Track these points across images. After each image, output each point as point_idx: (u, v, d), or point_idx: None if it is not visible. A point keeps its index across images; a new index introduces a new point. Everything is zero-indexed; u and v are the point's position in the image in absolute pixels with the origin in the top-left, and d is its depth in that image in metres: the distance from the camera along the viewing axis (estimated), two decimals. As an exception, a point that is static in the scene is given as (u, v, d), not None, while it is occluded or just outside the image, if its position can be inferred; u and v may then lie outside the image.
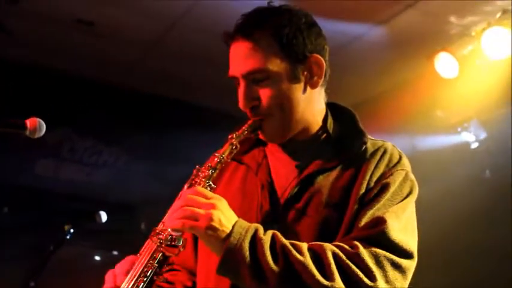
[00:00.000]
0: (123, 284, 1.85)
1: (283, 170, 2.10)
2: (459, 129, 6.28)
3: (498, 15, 5.24)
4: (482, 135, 6.18)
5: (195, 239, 2.15)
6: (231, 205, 1.86)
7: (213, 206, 1.77)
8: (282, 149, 2.13)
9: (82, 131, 7.16)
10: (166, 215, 1.84)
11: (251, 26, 2.03)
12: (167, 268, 2.19)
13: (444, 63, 5.62)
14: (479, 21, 5.47)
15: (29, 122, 1.97)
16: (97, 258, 6.72)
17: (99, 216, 4.57)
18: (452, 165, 6.20)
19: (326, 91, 2.18)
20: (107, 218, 4.58)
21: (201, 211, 1.76)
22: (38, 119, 1.99)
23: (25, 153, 6.52)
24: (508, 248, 5.70)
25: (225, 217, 1.77)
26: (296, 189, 2.01)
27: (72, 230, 4.56)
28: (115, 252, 6.72)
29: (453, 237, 6.01)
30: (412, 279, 1.91)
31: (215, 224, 1.74)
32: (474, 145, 6.25)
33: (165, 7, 5.60)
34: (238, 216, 1.84)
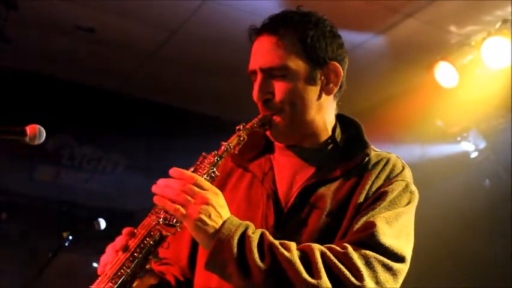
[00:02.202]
0: (115, 259, 1.84)
1: (288, 179, 2.10)
2: (459, 139, 6.29)
3: (498, 25, 5.25)
4: (482, 145, 6.18)
5: (193, 239, 2.14)
6: (236, 213, 1.86)
7: (206, 200, 1.77)
8: (288, 157, 2.14)
9: (81, 138, 7.16)
10: (161, 188, 1.82)
11: (278, 23, 2.06)
12: (160, 262, 2.17)
13: (444, 73, 5.63)
14: (479, 30, 5.49)
15: (28, 129, 1.96)
16: (95, 265, 6.70)
17: (98, 223, 4.56)
18: (451, 175, 6.21)
19: (337, 103, 2.20)
20: (106, 225, 4.58)
21: (193, 202, 1.76)
22: (38, 126, 1.98)
23: (24, 160, 6.52)
24: (508, 256, 5.70)
25: (216, 212, 1.77)
26: (298, 199, 2.01)
27: (70, 237, 4.55)
28: (114, 260, 6.69)
29: (453, 246, 6.01)
30: (413, 285, 1.90)
31: (205, 218, 1.74)
32: (474, 154, 6.26)
33: (164, 16, 5.63)
34: None
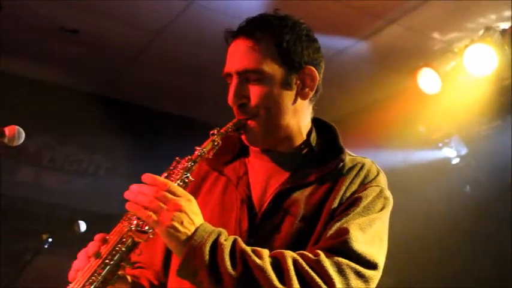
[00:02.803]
0: (87, 266, 1.82)
1: (262, 184, 2.09)
2: (440, 145, 6.31)
3: (481, 32, 5.28)
4: (463, 151, 6.21)
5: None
6: (210, 218, 1.86)
7: (179, 207, 1.76)
8: (263, 161, 2.13)
9: (63, 139, 7.11)
10: (133, 194, 1.80)
11: (254, 26, 2.05)
12: (134, 266, 2.16)
13: (427, 79, 5.65)
14: (462, 37, 5.52)
15: (7, 130, 1.95)
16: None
17: (78, 225, 4.54)
18: (433, 180, 6.23)
19: (313, 108, 2.19)
20: (87, 228, 4.55)
21: (165, 209, 1.75)
22: (17, 127, 1.97)
23: (5, 161, 6.46)
24: (488, 262, 5.73)
25: (189, 219, 1.76)
26: (272, 204, 2.01)
27: (50, 239, 4.52)
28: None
29: (434, 251, 6.04)
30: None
31: (177, 225, 1.73)
32: (455, 161, 6.29)
33: (149, 19, 5.61)
34: None
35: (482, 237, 5.87)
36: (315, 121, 2.22)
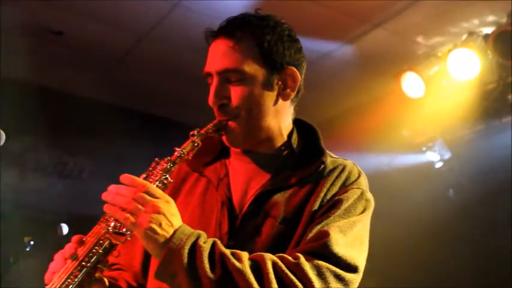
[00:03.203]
0: (63, 268, 1.80)
1: (243, 186, 2.08)
2: (424, 149, 6.34)
3: (464, 37, 5.32)
4: (447, 155, 6.25)
5: None
6: (190, 219, 1.85)
7: (157, 209, 1.74)
8: (244, 162, 2.12)
9: (47, 141, 7.07)
10: (111, 195, 1.78)
11: (235, 26, 2.03)
12: (112, 267, 2.14)
13: (411, 83, 5.68)
14: (445, 42, 5.55)
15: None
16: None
17: (61, 228, 4.51)
18: (416, 184, 6.26)
19: (295, 108, 2.18)
20: (71, 231, 4.52)
21: (143, 210, 1.73)
22: (-3, 129, 1.95)
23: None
24: (470, 265, 5.76)
25: (167, 221, 1.74)
26: (252, 206, 2.00)
27: (32, 242, 4.48)
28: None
29: (416, 255, 6.05)
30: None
31: (155, 227, 1.71)
32: (438, 165, 6.32)
33: (134, 21, 5.59)
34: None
35: (465, 241, 5.90)
36: (297, 122, 2.21)
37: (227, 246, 1.81)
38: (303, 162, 2.07)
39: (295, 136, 2.16)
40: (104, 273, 1.94)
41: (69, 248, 1.84)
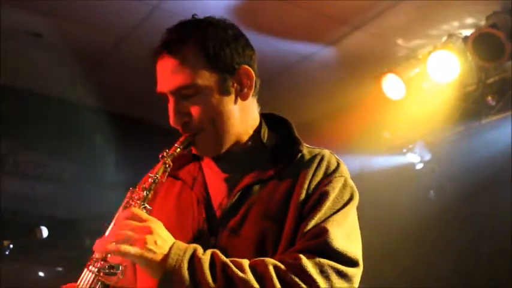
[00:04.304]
0: None
1: (219, 184, 2.06)
2: (404, 150, 6.36)
3: (444, 39, 5.35)
4: (427, 157, 6.26)
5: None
6: (167, 222, 1.83)
7: (148, 230, 1.73)
8: (217, 162, 2.10)
9: (26, 143, 7.02)
10: (101, 240, 1.76)
11: (176, 42, 2.00)
12: None
13: (391, 85, 5.69)
14: (425, 44, 5.58)
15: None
16: (41, 274, 6.58)
17: (40, 231, 4.46)
18: (397, 186, 6.28)
19: (258, 101, 2.16)
20: (51, 234, 4.48)
21: (136, 236, 1.72)
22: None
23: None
24: (449, 267, 5.79)
25: (162, 239, 1.73)
26: (232, 202, 1.98)
27: (11, 246, 4.44)
28: (59, 269, 6.59)
29: (397, 257, 6.08)
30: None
31: (151, 247, 1.70)
32: (419, 166, 6.34)
33: (113, 23, 5.57)
34: (174, 232, 1.81)
35: (446, 243, 5.93)
36: (268, 116, 2.19)
37: (208, 245, 1.80)
38: (279, 154, 2.05)
39: (264, 129, 2.13)
40: None
41: None
